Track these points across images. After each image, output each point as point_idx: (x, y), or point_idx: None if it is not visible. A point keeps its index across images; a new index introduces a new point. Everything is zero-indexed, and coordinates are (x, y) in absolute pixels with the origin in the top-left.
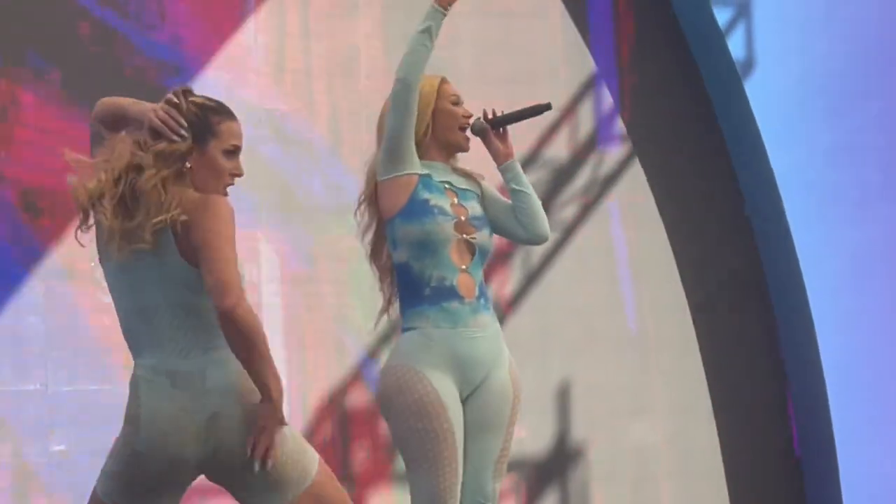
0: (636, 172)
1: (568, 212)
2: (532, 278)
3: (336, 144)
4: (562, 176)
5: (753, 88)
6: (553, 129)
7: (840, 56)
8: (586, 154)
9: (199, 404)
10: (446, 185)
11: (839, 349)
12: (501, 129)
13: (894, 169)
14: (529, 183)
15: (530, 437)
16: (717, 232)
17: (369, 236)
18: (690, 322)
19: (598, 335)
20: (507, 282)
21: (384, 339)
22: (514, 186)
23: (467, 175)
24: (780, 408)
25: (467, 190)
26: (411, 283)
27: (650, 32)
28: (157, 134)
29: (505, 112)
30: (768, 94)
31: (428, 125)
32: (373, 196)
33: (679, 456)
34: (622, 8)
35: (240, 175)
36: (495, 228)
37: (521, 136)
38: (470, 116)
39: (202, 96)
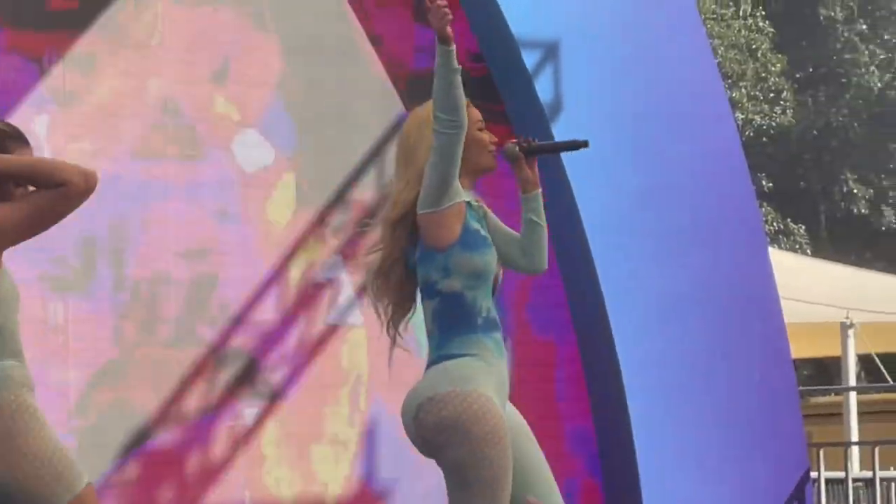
0: None
1: (375, 253)
2: (343, 315)
3: None
4: (368, 218)
5: (561, 130)
6: (360, 171)
7: (648, 99)
8: None
9: None
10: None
11: (645, 392)
12: (532, 158)
13: (702, 211)
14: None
15: (334, 476)
16: (524, 275)
17: (377, 257)
18: None
19: (409, 374)
20: (316, 319)
21: (193, 375)
22: (533, 218)
23: (477, 200)
24: (586, 444)
25: (482, 218)
26: (463, 313)
27: None
28: None
29: (540, 142)
30: (576, 137)
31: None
32: (399, 220)
33: None
34: (429, 48)
35: None
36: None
37: (329, 179)
38: (496, 141)
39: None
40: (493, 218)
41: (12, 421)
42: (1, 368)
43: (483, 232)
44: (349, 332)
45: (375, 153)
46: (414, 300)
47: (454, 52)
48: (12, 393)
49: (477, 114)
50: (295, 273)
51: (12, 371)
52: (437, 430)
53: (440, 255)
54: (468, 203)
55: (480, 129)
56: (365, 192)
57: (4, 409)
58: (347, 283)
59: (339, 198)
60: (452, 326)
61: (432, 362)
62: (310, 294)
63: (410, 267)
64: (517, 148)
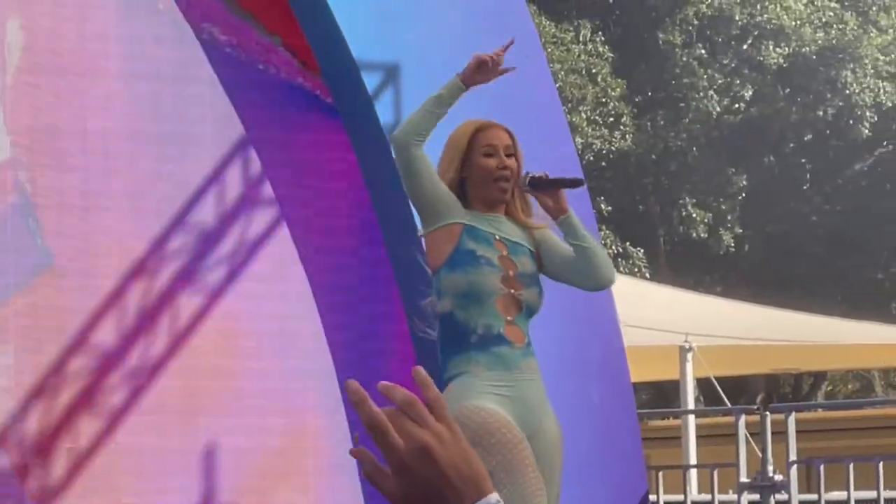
0: (284, 238)
1: (215, 275)
2: (179, 340)
3: None
4: (209, 240)
5: None
6: (200, 193)
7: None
8: (234, 218)
9: None
10: (496, 237)
11: None
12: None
13: None
14: (584, 230)
15: (176, 500)
16: (368, 295)
17: None
18: (337, 385)
19: (247, 397)
20: (153, 343)
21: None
22: (571, 241)
23: (525, 226)
24: None
25: (520, 244)
26: (456, 332)
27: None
28: None
29: (546, 176)
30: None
31: (456, 175)
32: None
33: None
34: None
35: None
36: (558, 278)
37: (170, 202)
38: (506, 168)
39: None
40: (552, 244)
41: None
42: None
43: (481, 252)
44: (189, 354)
45: (216, 175)
46: None
47: (460, 94)
48: None
49: (488, 138)
50: (135, 295)
51: None
52: None
53: (434, 277)
54: (471, 227)
55: (488, 155)
56: (206, 214)
57: None
58: (187, 304)
59: (178, 220)
60: (449, 347)
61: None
62: (149, 316)
63: None
64: (527, 181)
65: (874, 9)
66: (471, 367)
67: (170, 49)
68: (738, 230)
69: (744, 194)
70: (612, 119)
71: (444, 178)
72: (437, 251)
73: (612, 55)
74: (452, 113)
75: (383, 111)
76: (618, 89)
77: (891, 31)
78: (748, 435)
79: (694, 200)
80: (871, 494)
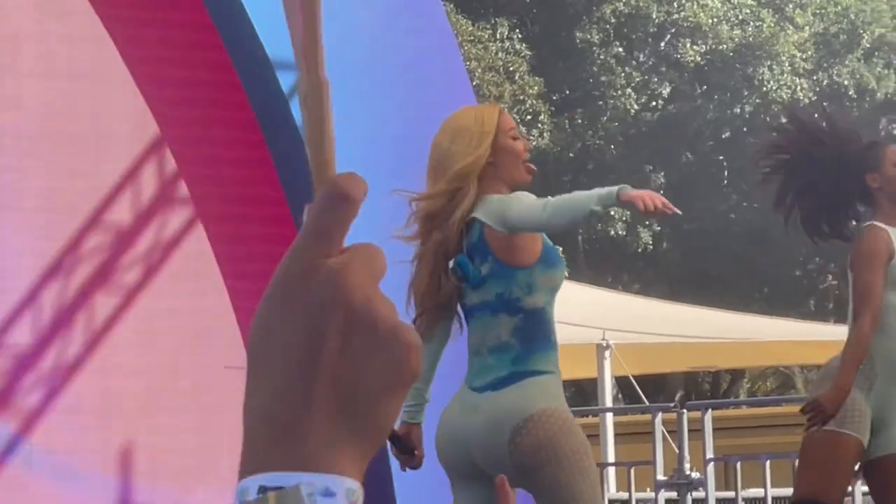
0: (199, 237)
1: (131, 275)
2: (96, 340)
3: None
4: (125, 239)
5: None
6: (115, 192)
7: (405, 122)
8: (149, 217)
9: None
10: None
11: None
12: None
13: None
14: None
15: (91, 500)
16: None
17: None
18: None
19: (163, 398)
20: (70, 343)
21: None
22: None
23: None
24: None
25: None
26: (544, 328)
27: (214, 94)
28: None
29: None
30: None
31: (488, 157)
32: (445, 242)
33: None
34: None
35: None
36: None
37: (86, 205)
38: (529, 150)
39: None
40: None
41: None
42: None
43: (556, 245)
44: (105, 353)
45: (130, 175)
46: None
47: (613, 206)
48: None
49: (510, 121)
50: (49, 296)
51: None
52: (533, 450)
53: (523, 271)
54: None
55: (514, 138)
56: (122, 214)
57: None
58: (103, 305)
59: (94, 221)
60: (533, 341)
61: (511, 376)
62: (65, 316)
63: (469, 280)
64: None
65: (790, 6)
66: (552, 366)
67: (85, 48)
68: (656, 228)
69: (661, 192)
70: (529, 117)
71: (469, 157)
72: (531, 249)
73: (529, 53)
74: (371, 110)
75: (299, 111)
76: (535, 87)
77: (807, 28)
78: (665, 433)
79: None
80: (788, 491)
